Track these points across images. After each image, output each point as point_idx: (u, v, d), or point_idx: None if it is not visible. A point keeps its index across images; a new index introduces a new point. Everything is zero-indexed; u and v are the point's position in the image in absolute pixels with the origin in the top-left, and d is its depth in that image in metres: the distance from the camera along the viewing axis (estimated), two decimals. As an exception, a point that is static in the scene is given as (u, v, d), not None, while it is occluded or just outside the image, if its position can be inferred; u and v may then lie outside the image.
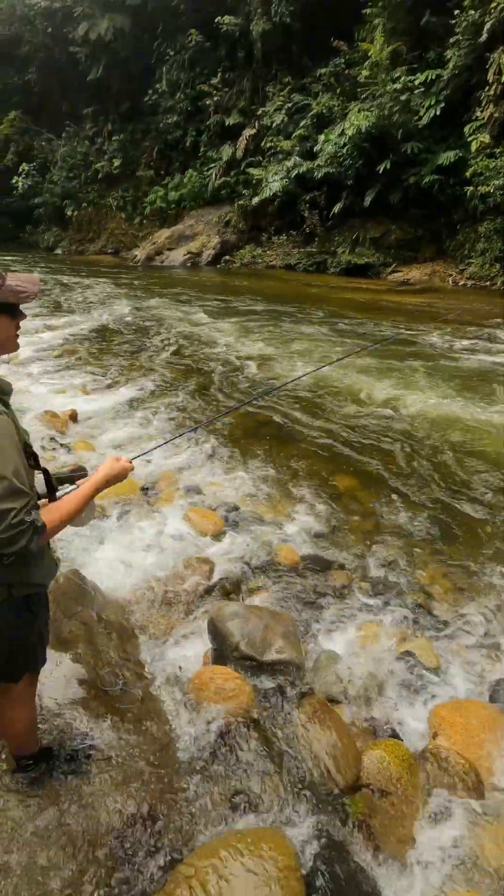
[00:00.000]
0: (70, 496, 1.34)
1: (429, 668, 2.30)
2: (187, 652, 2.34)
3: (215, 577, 2.88)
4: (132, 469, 1.48)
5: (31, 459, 1.34)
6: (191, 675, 2.14)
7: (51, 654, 2.04)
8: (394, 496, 3.74)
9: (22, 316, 1.30)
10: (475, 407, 5.40)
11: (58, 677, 2.00)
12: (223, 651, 2.19)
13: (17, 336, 1.33)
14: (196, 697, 2.02)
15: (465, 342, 8.04)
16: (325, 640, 2.47)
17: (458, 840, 1.63)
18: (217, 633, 2.23)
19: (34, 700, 1.61)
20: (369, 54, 13.98)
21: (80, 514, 1.38)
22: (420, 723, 2.06)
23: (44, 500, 1.37)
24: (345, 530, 3.38)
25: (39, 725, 1.78)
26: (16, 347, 1.34)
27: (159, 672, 2.21)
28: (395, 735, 2.00)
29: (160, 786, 1.72)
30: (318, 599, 2.74)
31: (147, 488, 3.84)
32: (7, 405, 1.28)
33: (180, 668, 2.23)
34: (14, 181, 24.72)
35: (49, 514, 1.26)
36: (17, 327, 1.31)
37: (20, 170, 24.69)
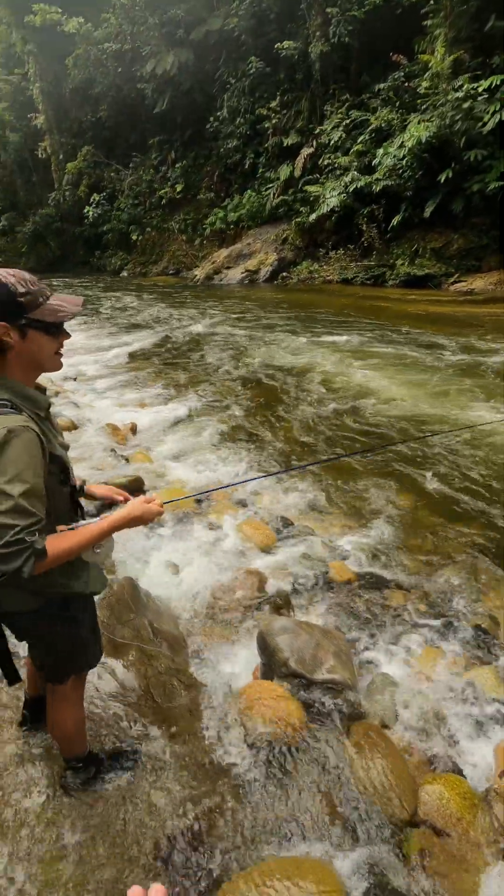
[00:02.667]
0: (85, 529, 1.26)
1: (494, 700, 2.13)
2: (236, 665, 2.31)
3: (266, 591, 2.84)
4: (160, 514, 1.39)
5: (63, 475, 1.30)
6: (239, 689, 2.11)
7: (103, 658, 2.08)
8: (459, 516, 3.55)
9: (65, 335, 1.29)
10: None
11: (108, 683, 2.04)
12: (272, 666, 2.14)
13: (60, 355, 1.31)
14: (244, 713, 1.98)
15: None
16: (379, 662, 2.35)
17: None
18: (266, 647, 2.19)
19: (82, 702, 1.64)
20: (430, 65, 13.79)
21: (95, 549, 1.31)
22: (484, 759, 1.90)
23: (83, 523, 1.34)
24: (402, 548, 3.24)
25: (88, 731, 1.80)
26: (59, 366, 1.31)
27: (208, 684, 2.19)
28: (456, 770, 1.85)
29: (204, 802, 1.69)
30: (372, 619, 2.63)
31: (200, 500, 3.88)
32: (44, 419, 1.27)
33: (229, 681, 2.21)
34: (86, 211, 26.45)
35: (57, 541, 1.19)
36: (60, 346, 1.29)
37: (91, 200, 26.39)
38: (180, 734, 1.92)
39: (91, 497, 1.52)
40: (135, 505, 1.34)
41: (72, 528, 1.29)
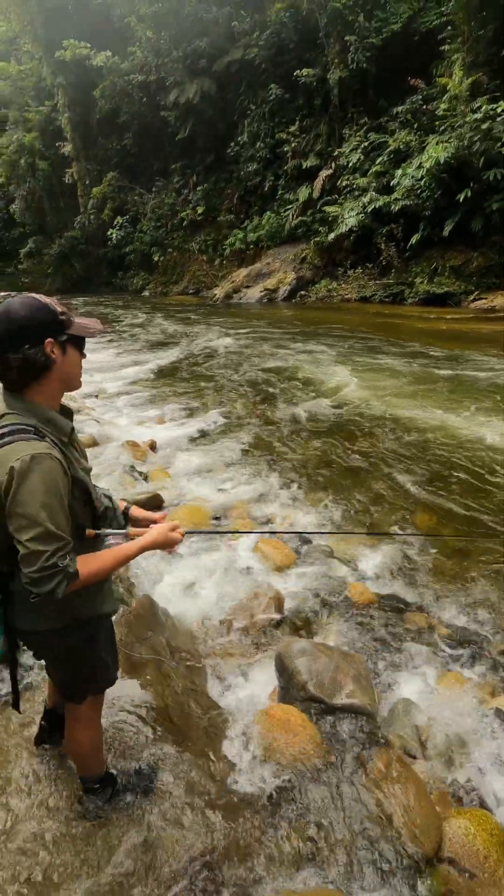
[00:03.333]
0: (112, 552, 1.32)
1: (522, 731, 2.05)
2: (254, 687, 2.28)
3: (285, 612, 2.81)
4: (180, 541, 1.45)
5: (86, 496, 1.33)
6: (257, 712, 2.07)
7: (120, 678, 2.08)
8: (481, 538, 3.47)
9: (84, 355, 1.36)
10: None
11: (125, 702, 2.03)
12: (290, 690, 2.10)
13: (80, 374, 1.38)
14: (260, 736, 1.94)
15: None
16: (400, 687, 2.29)
17: None
18: (284, 669, 2.15)
19: (99, 722, 1.64)
20: (448, 88, 13.97)
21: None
22: (512, 793, 1.82)
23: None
24: (425, 570, 3.17)
25: (106, 750, 1.79)
26: (79, 385, 1.38)
27: (225, 705, 2.16)
28: (482, 804, 1.78)
29: (219, 828, 1.66)
30: (393, 642, 2.57)
31: (219, 518, 3.88)
32: (67, 444, 1.31)
33: (247, 703, 2.18)
34: (109, 233, 27.26)
35: (87, 563, 1.24)
36: (81, 365, 1.37)
37: (115, 223, 27.21)
38: (197, 757, 1.90)
39: (134, 522, 1.57)
40: (160, 531, 1.41)
41: (98, 534, 1.36)
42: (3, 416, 1.24)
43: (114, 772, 1.75)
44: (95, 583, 1.35)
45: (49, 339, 1.22)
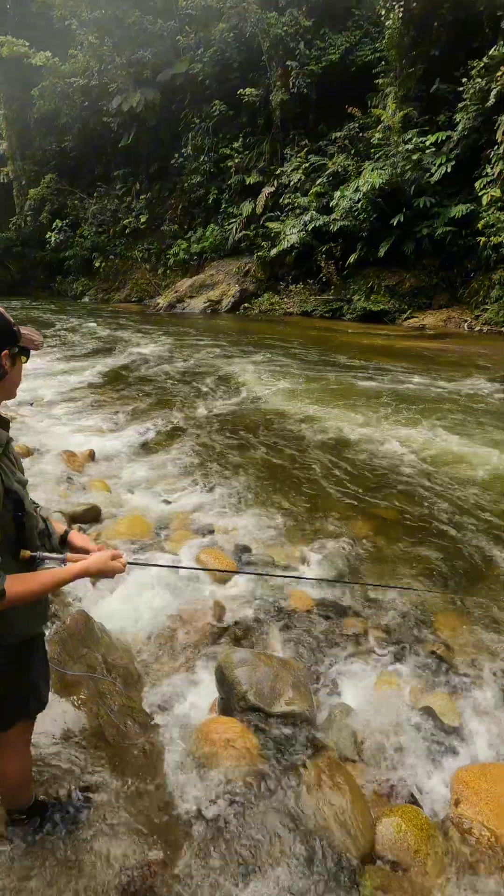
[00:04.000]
0: (48, 574, 1.26)
1: (450, 727, 2.16)
2: (194, 700, 2.25)
3: (226, 622, 2.80)
4: (121, 571, 1.39)
5: (19, 511, 1.28)
6: (196, 726, 2.05)
7: (52, 698, 1.98)
8: (412, 543, 3.64)
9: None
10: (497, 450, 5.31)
11: (57, 724, 1.93)
12: (230, 700, 2.09)
13: None
14: (200, 751, 1.92)
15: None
16: (338, 691, 2.35)
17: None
18: (224, 680, 2.14)
19: (28, 749, 1.55)
20: (382, 119, 14.84)
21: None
22: (441, 788, 1.91)
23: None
24: (361, 576, 3.28)
25: (35, 776, 1.70)
26: (15, 395, 1.35)
27: (164, 721, 2.12)
28: (413, 800, 1.85)
29: (159, 847, 1.61)
30: (331, 648, 2.63)
31: (160, 529, 3.82)
32: (1, 455, 1.26)
33: (186, 717, 2.14)
34: (48, 236, 26.35)
35: (17, 583, 1.18)
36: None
37: (53, 226, 26.36)
38: (134, 777, 1.84)
39: (73, 548, 1.48)
40: (100, 559, 1.35)
41: (34, 556, 1.29)
42: None
43: (43, 798, 1.66)
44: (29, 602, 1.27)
45: (5, 351, 1.20)
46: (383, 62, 15.93)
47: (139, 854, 1.60)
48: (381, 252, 15.09)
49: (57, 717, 1.94)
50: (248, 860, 1.60)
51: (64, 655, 2.22)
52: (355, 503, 4.23)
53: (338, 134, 17.31)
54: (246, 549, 3.50)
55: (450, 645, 2.65)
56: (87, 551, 1.46)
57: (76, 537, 1.51)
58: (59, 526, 1.50)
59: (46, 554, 1.35)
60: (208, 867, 1.59)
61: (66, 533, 1.50)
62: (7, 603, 1.16)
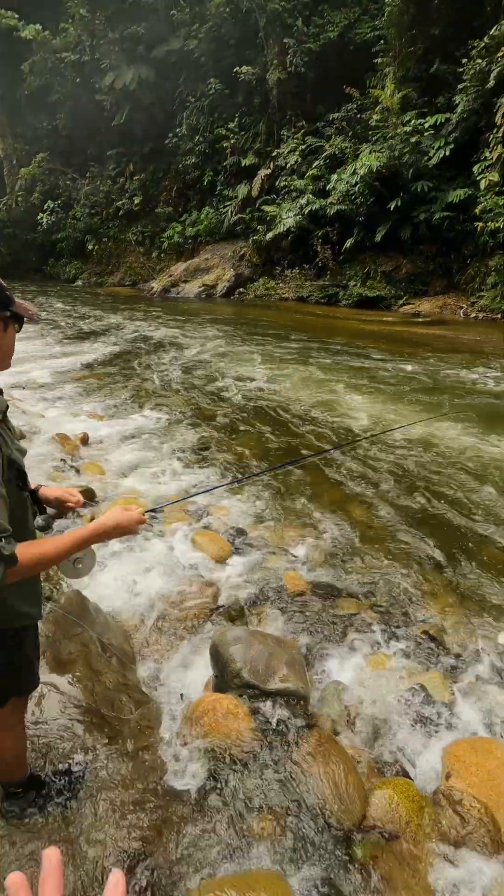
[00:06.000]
0: (60, 536, 1.18)
1: (441, 704, 2.19)
2: (188, 678, 2.27)
3: (220, 602, 2.81)
4: (143, 522, 1.29)
5: (21, 481, 1.23)
6: (191, 703, 2.06)
7: (47, 676, 1.98)
8: (406, 525, 3.66)
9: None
10: (494, 437, 5.33)
11: (53, 701, 1.94)
12: (225, 678, 2.11)
13: None
14: (195, 727, 1.93)
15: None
16: (331, 670, 2.37)
17: None
18: (219, 658, 2.15)
19: (23, 725, 1.55)
20: (380, 100, 14.58)
21: (73, 562, 1.25)
22: (432, 762, 1.94)
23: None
24: (354, 558, 3.30)
25: (31, 751, 1.71)
26: (9, 366, 1.32)
27: (159, 698, 2.13)
28: (405, 774, 1.88)
29: (154, 820, 1.63)
30: (324, 628, 2.65)
31: (154, 511, 3.81)
32: (0, 422, 1.23)
33: (181, 694, 2.16)
34: (39, 217, 25.85)
35: (28, 548, 1.11)
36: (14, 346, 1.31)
37: (45, 207, 25.85)
38: (129, 753, 1.85)
39: (46, 501, 1.41)
40: (115, 512, 1.25)
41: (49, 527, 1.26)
42: None
43: (39, 773, 1.67)
44: (23, 585, 1.22)
45: None
46: (382, 41, 15.59)
47: (134, 827, 1.62)
48: (378, 237, 14.93)
49: (52, 693, 1.95)
50: (244, 829, 1.62)
51: (59, 634, 2.22)
52: (351, 486, 4.24)
53: (335, 115, 17.00)
54: (241, 532, 3.51)
55: (443, 625, 2.68)
56: (63, 501, 1.41)
57: (48, 491, 1.42)
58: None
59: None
60: (203, 838, 1.61)
61: (38, 488, 1.40)
62: (20, 570, 1.08)
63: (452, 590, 2.98)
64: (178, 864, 1.55)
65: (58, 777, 1.70)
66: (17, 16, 23.92)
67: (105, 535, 1.24)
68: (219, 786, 1.76)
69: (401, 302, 14.74)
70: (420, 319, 13.30)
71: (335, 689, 2.20)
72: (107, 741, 1.86)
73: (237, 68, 18.87)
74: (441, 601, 2.87)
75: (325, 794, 1.68)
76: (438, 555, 3.30)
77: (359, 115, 16.29)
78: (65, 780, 1.70)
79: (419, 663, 2.43)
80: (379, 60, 15.57)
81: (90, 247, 24.93)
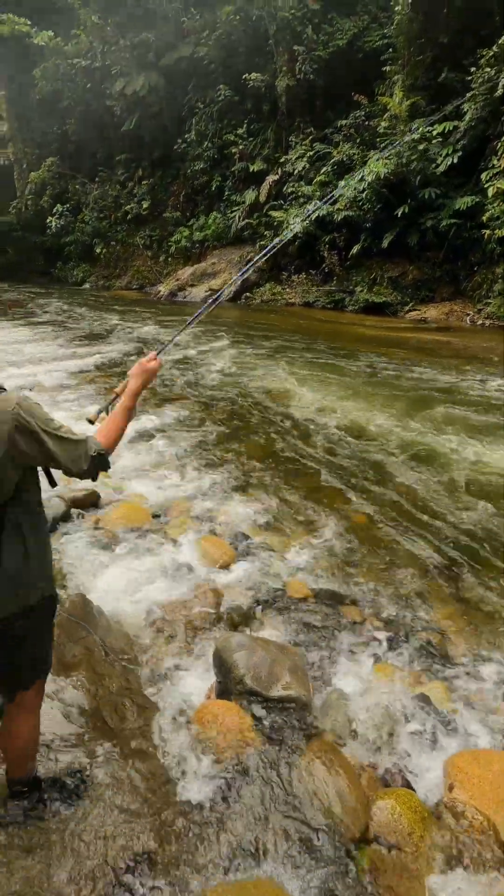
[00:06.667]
0: (116, 414, 1.49)
1: (444, 714, 2.18)
2: (191, 684, 2.27)
3: (224, 608, 2.81)
4: (160, 365, 1.62)
5: None
6: (194, 709, 2.06)
7: (52, 678, 1.99)
8: (409, 532, 3.65)
9: None
10: (496, 445, 5.31)
11: (57, 704, 1.95)
12: (227, 684, 2.11)
13: None
14: (197, 733, 1.93)
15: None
16: (334, 677, 2.37)
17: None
18: (222, 664, 2.16)
19: (39, 713, 1.57)
20: (389, 107, 14.63)
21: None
22: (434, 772, 1.93)
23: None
24: (357, 565, 3.30)
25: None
26: None
27: (161, 704, 2.13)
28: (407, 784, 1.88)
29: (156, 827, 1.63)
30: (327, 635, 2.65)
31: (159, 515, 3.82)
32: None
33: (184, 700, 2.16)
34: (48, 221, 26.07)
35: (107, 435, 1.43)
36: None
37: (54, 210, 26.07)
38: (131, 758, 1.86)
39: None
40: (137, 371, 1.58)
41: (102, 409, 1.64)
42: None
43: (43, 775, 1.67)
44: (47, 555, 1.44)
45: None
46: (391, 49, 15.67)
47: (134, 833, 1.62)
48: (385, 243, 14.96)
49: (55, 697, 1.96)
50: (245, 838, 1.62)
51: (63, 637, 2.23)
52: (356, 493, 4.24)
53: (344, 122, 17.07)
54: (245, 538, 3.51)
55: (446, 634, 2.68)
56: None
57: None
58: None
59: (108, 402, 1.64)
60: (204, 844, 1.61)
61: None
62: (111, 450, 1.42)
63: (457, 599, 2.97)
64: (179, 871, 1.55)
65: (61, 779, 1.71)
66: (29, 23, 24.21)
67: (142, 390, 1.58)
68: (220, 793, 1.76)
69: (407, 308, 14.74)
70: (427, 326, 13.29)
71: (338, 697, 2.20)
72: (110, 745, 1.87)
73: (246, 75, 18.99)
74: (445, 610, 2.86)
75: (327, 803, 1.68)
76: (443, 563, 3.29)
77: (367, 123, 16.36)
78: (68, 782, 1.71)
79: (423, 672, 2.43)
80: (388, 68, 15.64)
81: (98, 250, 25.10)
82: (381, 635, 2.67)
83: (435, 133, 13.85)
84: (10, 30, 23.99)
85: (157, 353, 1.64)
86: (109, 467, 1.42)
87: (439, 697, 2.25)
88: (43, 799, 1.62)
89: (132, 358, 9.50)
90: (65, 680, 2.03)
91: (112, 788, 1.73)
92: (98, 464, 1.38)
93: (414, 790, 1.85)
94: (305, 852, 1.59)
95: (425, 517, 3.86)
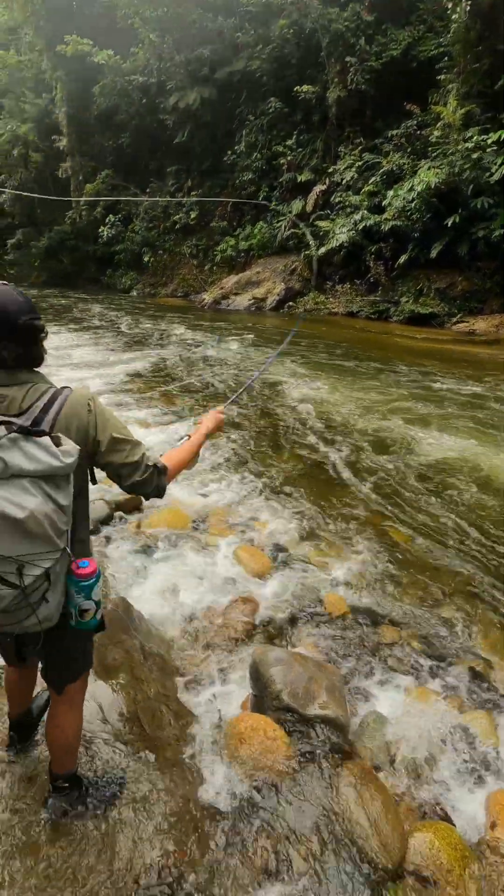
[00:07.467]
0: (185, 446, 1.58)
1: (487, 747, 2.09)
2: (226, 694, 2.27)
3: (260, 619, 2.81)
4: (223, 418, 1.83)
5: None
6: (229, 720, 2.07)
7: (93, 680, 2.05)
8: (455, 554, 3.54)
9: None
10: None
11: (96, 705, 1.99)
12: (263, 699, 2.10)
13: None
14: (232, 746, 1.93)
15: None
16: (371, 699, 2.32)
17: None
18: (259, 678, 2.15)
19: (83, 706, 1.63)
20: (442, 116, 14.40)
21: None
22: (476, 808, 1.86)
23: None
24: (398, 584, 3.22)
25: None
26: None
27: (198, 713, 2.15)
28: (446, 818, 1.81)
29: (187, 837, 1.64)
30: (365, 655, 2.60)
31: (197, 522, 3.87)
32: None
33: (219, 711, 2.16)
34: (100, 230, 27.09)
35: (172, 460, 1.48)
36: None
37: (106, 220, 27.08)
38: (166, 765, 1.88)
39: None
40: (212, 417, 1.78)
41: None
42: (33, 384, 1.26)
43: (82, 774, 1.72)
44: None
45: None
46: (447, 58, 15.43)
47: (167, 839, 1.63)
48: (434, 253, 14.67)
49: (97, 698, 2.01)
50: (274, 857, 1.61)
51: (104, 639, 2.28)
52: (399, 510, 4.15)
53: (395, 132, 16.92)
54: (283, 549, 3.50)
55: (491, 662, 2.57)
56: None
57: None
58: None
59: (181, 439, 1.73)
60: (234, 860, 1.60)
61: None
62: (172, 476, 1.45)
63: (502, 625, 2.85)
64: (209, 883, 1.55)
65: (99, 780, 1.74)
66: (91, 42, 25.35)
67: (209, 435, 1.72)
68: (252, 809, 1.75)
69: (454, 319, 14.37)
70: (475, 338, 12.91)
71: (375, 720, 2.15)
72: (145, 751, 1.89)
73: (297, 87, 19.16)
74: (491, 637, 2.75)
75: (362, 829, 1.64)
76: (491, 589, 3.16)
77: (419, 132, 16.14)
78: (103, 784, 1.74)
79: (465, 701, 2.34)
80: (442, 77, 15.41)
81: (146, 259, 25.83)
82: (422, 659, 2.59)
83: (490, 141, 13.51)
84: (74, 49, 25.16)
85: (226, 405, 1.90)
86: (165, 491, 1.42)
87: (482, 728, 2.17)
88: (83, 798, 1.66)
89: (171, 366, 9.69)
90: (105, 683, 2.08)
91: (147, 793, 1.75)
92: (157, 478, 1.38)
93: (454, 825, 1.78)
94: (337, 878, 1.55)
95: (474, 540, 3.73)
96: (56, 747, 1.58)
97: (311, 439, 5.77)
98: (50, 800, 1.63)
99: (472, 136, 13.66)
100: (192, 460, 1.60)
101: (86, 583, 1.30)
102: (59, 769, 1.61)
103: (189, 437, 1.68)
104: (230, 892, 1.52)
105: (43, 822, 1.61)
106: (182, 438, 1.69)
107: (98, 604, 1.35)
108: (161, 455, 1.47)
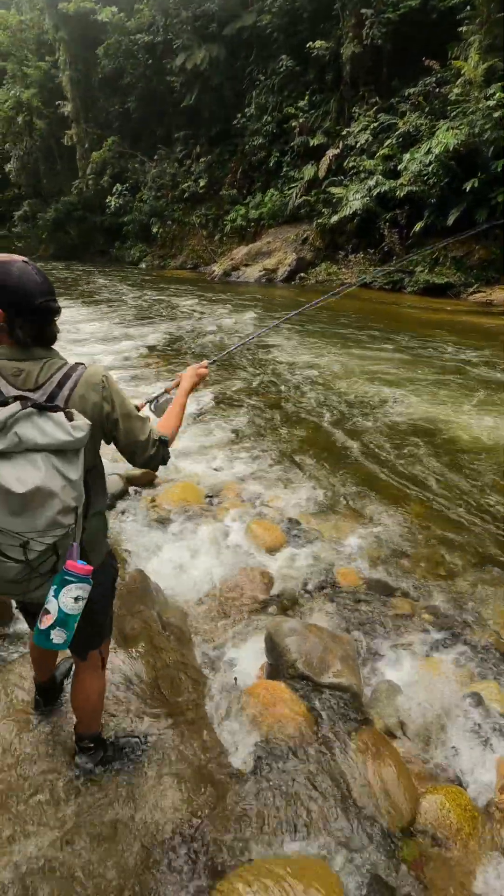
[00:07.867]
0: (172, 411, 1.58)
1: (497, 714, 2.13)
2: (242, 663, 2.34)
3: (274, 591, 2.86)
4: (208, 373, 1.79)
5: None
6: (246, 687, 2.13)
7: (114, 648, 2.11)
8: (469, 528, 3.54)
9: None
10: None
11: (118, 672, 2.07)
12: (279, 667, 2.16)
13: None
14: (249, 710, 2.00)
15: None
16: (384, 669, 2.37)
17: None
18: (274, 647, 2.21)
19: (106, 671, 1.70)
20: (462, 71, 13.68)
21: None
22: (486, 773, 1.91)
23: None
24: (410, 557, 3.24)
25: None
26: None
27: (215, 680, 2.22)
28: (457, 782, 1.87)
29: (208, 797, 1.72)
30: (378, 626, 2.64)
31: (211, 497, 3.91)
32: None
33: (235, 678, 2.23)
34: (108, 200, 26.56)
35: (168, 428, 1.51)
36: None
37: (114, 190, 26.50)
38: (186, 729, 1.95)
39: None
40: (189, 373, 1.74)
41: (150, 401, 1.78)
42: (48, 359, 1.28)
43: (104, 737, 1.80)
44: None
45: None
46: (469, 7, 14.54)
47: (189, 799, 1.71)
48: (451, 220, 14.18)
49: (118, 666, 2.08)
50: (293, 815, 1.68)
51: (123, 610, 2.35)
52: (413, 483, 4.15)
53: (412, 90, 16.15)
54: (297, 523, 3.53)
55: (501, 634, 2.60)
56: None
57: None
58: None
59: (154, 395, 1.79)
60: (252, 817, 1.68)
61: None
62: (171, 442, 1.48)
63: (515, 599, 2.87)
64: (229, 840, 1.62)
65: (122, 742, 1.82)
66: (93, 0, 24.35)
67: (192, 391, 1.72)
68: (271, 770, 1.82)
69: (471, 290, 13.99)
70: (492, 309, 12.58)
71: (388, 688, 2.20)
72: (166, 716, 1.97)
73: (310, 43, 18.29)
74: (500, 609, 2.77)
75: (376, 791, 1.70)
76: (500, 561, 3.17)
77: (437, 90, 15.39)
78: (126, 745, 1.82)
79: (476, 671, 2.38)
80: (464, 28, 14.56)
81: (155, 229, 25.36)
82: (433, 630, 2.63)
83: (513, 99, 12.85)
84: (76, 7, 24.21)
85: (210, 363, 1.82)
86: (169, 458, 1.48)
87: (493, 697, 2.21)
88: (108, 758, 1.74)
89: (181, 340, 9.62)
90: (125, 651, 2.15)
91: (167, 755, 1.83)
92: (162, 450, 1.42)
93: (464, 788, 1.83)
94: (353, 835, 1.62)
95: (489, 514, 3.73)
96: (81, 710, 1.65)
97: (326, 413, 5.74)
98: (77, 758, 1.71)
99: (494, 94, 13.00)
100: (182, 420, 1.63)
101: (69, 575, 1.18)
102: (84, 730, 1.69)
103: (167, 391, 1.73)
104: (252, 846, 1.60)
105: (71, 778, 1.69)
106: (161, 395, 1.73)
107: (64, 620, 1.20)
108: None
